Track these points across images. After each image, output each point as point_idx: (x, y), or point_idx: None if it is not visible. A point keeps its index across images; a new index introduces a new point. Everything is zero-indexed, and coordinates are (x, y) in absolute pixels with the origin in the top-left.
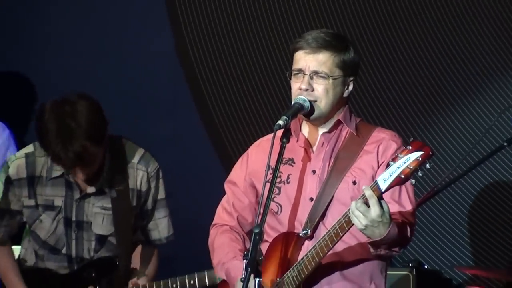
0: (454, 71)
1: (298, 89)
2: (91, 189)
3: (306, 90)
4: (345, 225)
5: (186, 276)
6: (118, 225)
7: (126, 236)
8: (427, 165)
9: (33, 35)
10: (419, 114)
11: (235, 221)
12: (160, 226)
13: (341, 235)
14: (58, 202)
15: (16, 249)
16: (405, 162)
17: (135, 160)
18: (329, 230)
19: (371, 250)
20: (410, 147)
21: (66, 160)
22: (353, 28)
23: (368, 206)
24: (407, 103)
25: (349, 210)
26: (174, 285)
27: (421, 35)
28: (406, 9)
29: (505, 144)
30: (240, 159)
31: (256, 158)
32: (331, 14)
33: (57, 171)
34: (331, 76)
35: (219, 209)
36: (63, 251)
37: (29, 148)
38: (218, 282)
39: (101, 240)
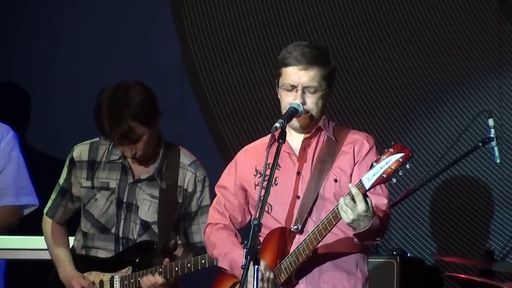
0: (432, 77)
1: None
2: (143, 176)
3: (302, 104)
4: (332, 220)
5: (199, 256)
6: (161, 214)
7: (167, 225)
8: (407, 166)
9: (40, 36)
10: (401, 117)
11: (228, 220)
12: (203, 230)
13: (329, 229)
14: (113, 184)
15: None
16: (387, 163)
17: (187, 162)
18: (318, 225)
19: (356, 240)
20: (392, 150)
21: (112, 138)
22: (331, 34)
23: (355, 202)
24: (388, 107)
25: (335, 207)
26: (189, 265)
27: (398, 42)
28: (384, 17)
29: (480, 144)
30: (228, 166)
31: (244, 163)
32: (315, 22)
33: (115, 155)
34: (321, 90)
35: (211, 211)
36: (112, 230)
37: (96, 138)
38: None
39: (145, 226)
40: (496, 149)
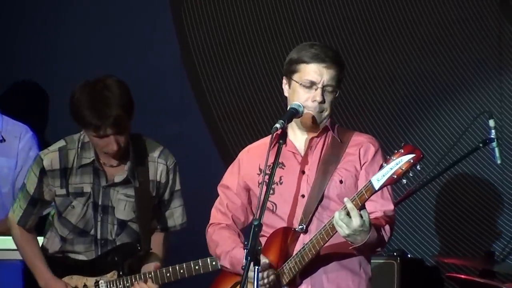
0: (433, 78)
1: (311, 101)
2: (118, 179)
3: (320, 102)
4: (330, 230)
5: (191, 262)
6: (139, 212)
7: (146, 223)
8: (418, 167)
9: (41, 36)
10: (401, 118)
11: (230, 220)
12: (175, 215)
13: (327, 239)
14: (87, 188)
15: (39, 240)
16: (397, 164)
17: (156, 154)
18: (325, 225)
19: (355, 253)
20: (402, 150)
21: (105, 126)
22: (331, 34)
23: (350, 217)
24: (388, 108)
25: (332, 218)
26: (182, 271)
27: (398, 42)
28: (383, 18)
29: (480, 145)
30: (231, 166)
31: (247, 163)
32: (315, 23)
33: (86, 159)
34: (336, 90)
35: (213, 211)
36: (91, 232)
37: (61, 143)
38: (219, 267)
39: (122, 224)
40: (496, 150)
